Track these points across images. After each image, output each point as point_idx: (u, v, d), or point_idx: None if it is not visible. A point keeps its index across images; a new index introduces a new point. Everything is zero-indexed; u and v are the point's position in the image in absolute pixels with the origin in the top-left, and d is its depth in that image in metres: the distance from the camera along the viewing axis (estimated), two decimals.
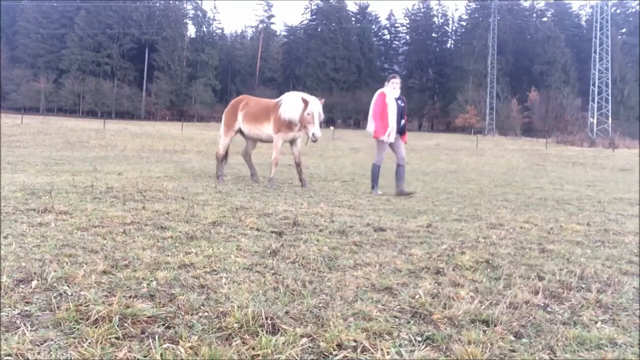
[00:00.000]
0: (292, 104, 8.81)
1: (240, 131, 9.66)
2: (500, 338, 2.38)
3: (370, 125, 8.67)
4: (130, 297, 2.69)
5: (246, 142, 10.15)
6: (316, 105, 8.51)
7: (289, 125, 8.85)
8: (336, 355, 2.15)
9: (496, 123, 76.32)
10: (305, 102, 8.50)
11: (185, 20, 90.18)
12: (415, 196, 8.18)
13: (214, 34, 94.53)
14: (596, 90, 65.37)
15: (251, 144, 10.11)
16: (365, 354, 2.17)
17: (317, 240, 4.28)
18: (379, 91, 8.77)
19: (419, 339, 2.34)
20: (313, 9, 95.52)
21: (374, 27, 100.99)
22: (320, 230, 4.73)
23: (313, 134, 8.41)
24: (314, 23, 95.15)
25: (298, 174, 9.29)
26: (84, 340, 2.15)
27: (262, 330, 2.30)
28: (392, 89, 8.65)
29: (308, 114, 8.45)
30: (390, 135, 8.51)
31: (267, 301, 2.71)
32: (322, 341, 2.24)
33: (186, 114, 79.34)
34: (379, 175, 8.71)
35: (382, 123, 8.49)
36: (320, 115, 8.53)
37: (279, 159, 9.40)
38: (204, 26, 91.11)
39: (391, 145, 8.68)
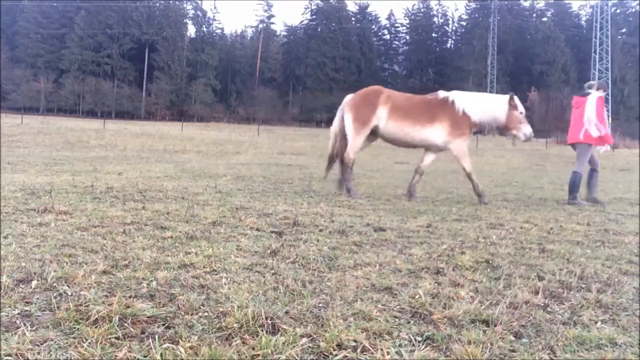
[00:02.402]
0: (489, 103, 7.86)
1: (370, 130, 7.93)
2: (500, 338, 2.38)
3: (597, 131, 8.12)
4: (130, 297, 2.69)
5: (342, 147, 8.13)
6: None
7: (472, 127, 7.80)
8: (336, 355, 2.15)
9: None
10: (513, 99, 7.74)
11: (185, 20, 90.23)
12: (416, 196, 8.14)
13: (214, 34, 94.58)
14: None
15: (364, 146, 8.30)
16: (365, 354, 2.17)
17: (317, 240, 4.28)
18: (596, 95, 8.26)
19: (419, 339, 2.34)
20: (313, 9, 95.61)
21: (374, 27, 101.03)
22: (320, 230, 4.73)
23: (530, 134, 7.87)
24: (314, 23, 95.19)
25: (413, 179, 8.03)
26: (84, 340, 2.15)
27: (262, 330, 2.30)
28: (603, 96, 8.46)
29: (521, 112, 7.80)
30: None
31: (267, 301, 2.71)
32: (322, 341, 2.24)
33: (186, 114, 79.33)
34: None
35: (606, 130, 8.25)
36: None
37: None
38: (204, 26, 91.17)
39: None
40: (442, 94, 7.98)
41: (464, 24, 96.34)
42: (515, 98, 7.80)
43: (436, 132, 7.67)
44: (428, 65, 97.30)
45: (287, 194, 7.62)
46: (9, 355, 2.00)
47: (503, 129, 8.09)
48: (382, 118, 7.71)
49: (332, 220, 5.26)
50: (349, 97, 8.13)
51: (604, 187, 11.35)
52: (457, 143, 7.70)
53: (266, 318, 2.38)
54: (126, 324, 2.32)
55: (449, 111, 7.67)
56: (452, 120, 7.62)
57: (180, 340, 2.17)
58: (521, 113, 7.79)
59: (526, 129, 7.80)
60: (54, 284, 2.82)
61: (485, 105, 7.82)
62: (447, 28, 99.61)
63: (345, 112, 7.94)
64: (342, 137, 8.01)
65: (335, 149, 8.12)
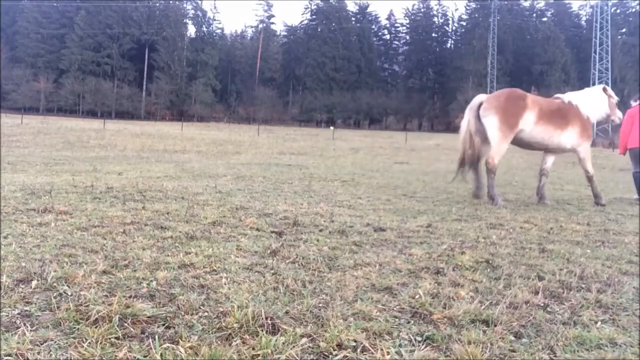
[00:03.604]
0: (595, 100, 8.10)
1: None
2: (500, 338, 2.38)
3: None
4: (130, 297, 2.69)
5: (480, 150, 7.78)
6: None
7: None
8: (336, 355, 2.15)
9: None
10: (607, 90, 8.20)
11: (185, 20, 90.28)
12: (416, 196, 8.17)
13: (214, 34, 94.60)
14: None
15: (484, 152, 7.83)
16: (365, 354, 2.17)
17: (317, 240, 4.28)
18: None
19: (419, 339, 2.34)
20: (313, 9, 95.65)
21: (374, 27, 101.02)
22: (320, 230, 4.73)
23: (622, 115, 8.48)
24: (314, 23, 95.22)
25: (540, 182, 8.12)
26: (84, 340, 2.15)
27: (262, 330, 2.30)
28: None
29: (615, 99, 8.23)
30: None
31: (267, 301, 2.71)
32: (322, 341, 2.24)
33: (186, 114, 79.39)
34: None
35: None
36: None
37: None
38: (204, 26, 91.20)
39: None
40: (566, 97, 8.06)
41: (464, 24, 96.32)
42: (608, 88, 8.34)
43: (569, 136, 7.77)
44: (428, 65, 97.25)
45: (287, 194, 7.62)
46: (9, 355, 2.00)
47: (605, 119, 8.54)
48: (529, 122, 7.45)
49: (332, 220, 5.26)
50: (484, 98, 7.79)
51: (604, 187, 11.34)
52: (585, 146, 7.96)
53: (266, 318, 2.38)
54: (126, 324, 2.32)
55: (578, 115, 7.82)
56: (582, 124, 7.84)
57: (180, 340, 2.17)
58: (615, 100, 8.25)
59: (619, 113, 8.38)
60: (54, 284, 2.82)
61: (598, 104, 8.13)
62: (447, 28, 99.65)
63: (488, 115, 7.48)
64: (482, 139, 7.69)
65: (469, 153, 7.74)
